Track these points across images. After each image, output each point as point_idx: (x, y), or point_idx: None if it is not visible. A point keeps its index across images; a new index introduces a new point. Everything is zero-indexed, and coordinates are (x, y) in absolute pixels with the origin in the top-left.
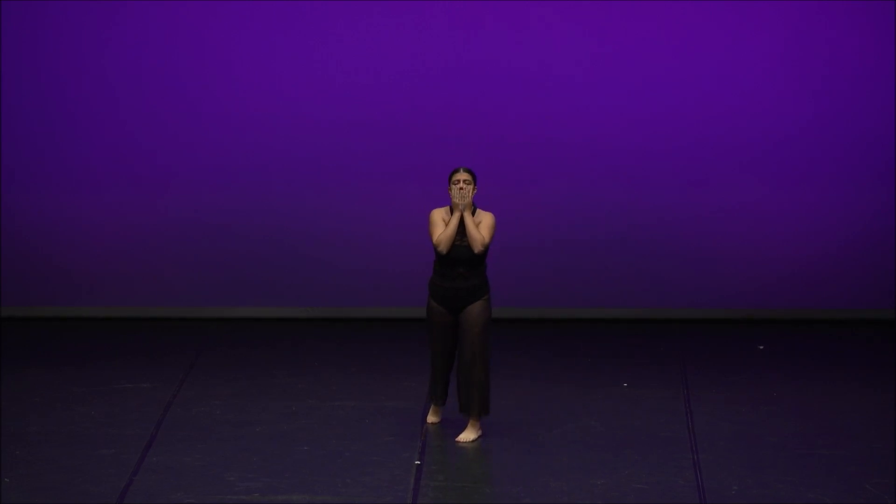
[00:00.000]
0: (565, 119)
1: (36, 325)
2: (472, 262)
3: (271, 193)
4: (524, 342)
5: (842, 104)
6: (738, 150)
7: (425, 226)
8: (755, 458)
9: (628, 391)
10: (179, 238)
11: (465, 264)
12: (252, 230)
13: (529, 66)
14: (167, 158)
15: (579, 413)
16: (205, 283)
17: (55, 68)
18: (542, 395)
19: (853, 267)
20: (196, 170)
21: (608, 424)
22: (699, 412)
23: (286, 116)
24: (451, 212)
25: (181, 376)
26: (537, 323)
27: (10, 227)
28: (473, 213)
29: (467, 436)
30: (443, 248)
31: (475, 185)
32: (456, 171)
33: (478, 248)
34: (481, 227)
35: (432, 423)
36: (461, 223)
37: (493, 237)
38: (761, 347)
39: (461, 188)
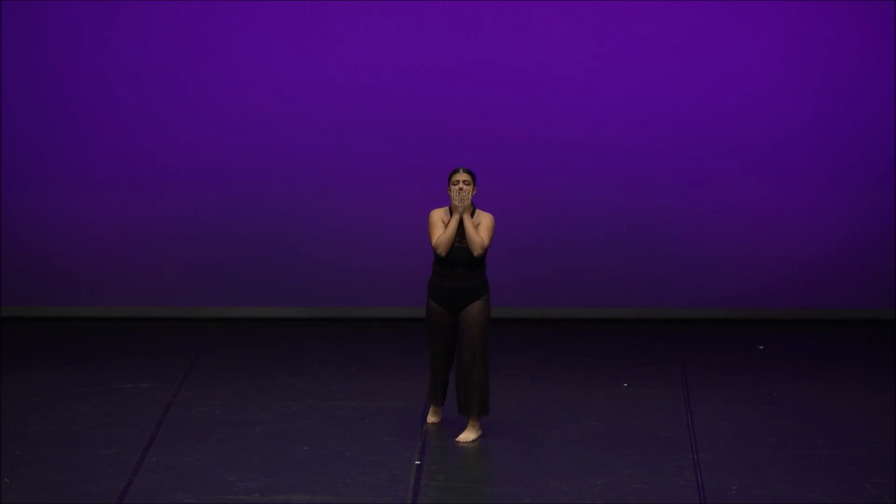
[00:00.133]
0: (565, 119)
1: (36, 325)
2: (472, 262)
3: (271, 193)
4: (524, 342)
5: (842, 104)
6: (738, 150)
7: (425, 226)
8: (755, 458)
9: (628, 391)
10: (179, 238)
11: (464, 265)
12: (252, 230)
13: (529, 66)
14: (167, 158)
15: (579, 413)
16: (205, 283)
17: (55, 68)
18: (542, 395)
19: (853, 267)
20: (196, 170)
21: (608, 424)
22: (699, 412)
23: (286, 116)
24: (451, 212)
25: (181, 376)
26: (537, 323)
27: (10, 227)
28: (473, 214)
29: (467, 436)
30: (441, 250)
31: (474, 185)
32: (455, 171)
33: (477, 251)
34: (480, 228)
35: (432, 423)
36: (460, 225)
37: (492, 238)
38: (761, 347)
39: (460, 189)
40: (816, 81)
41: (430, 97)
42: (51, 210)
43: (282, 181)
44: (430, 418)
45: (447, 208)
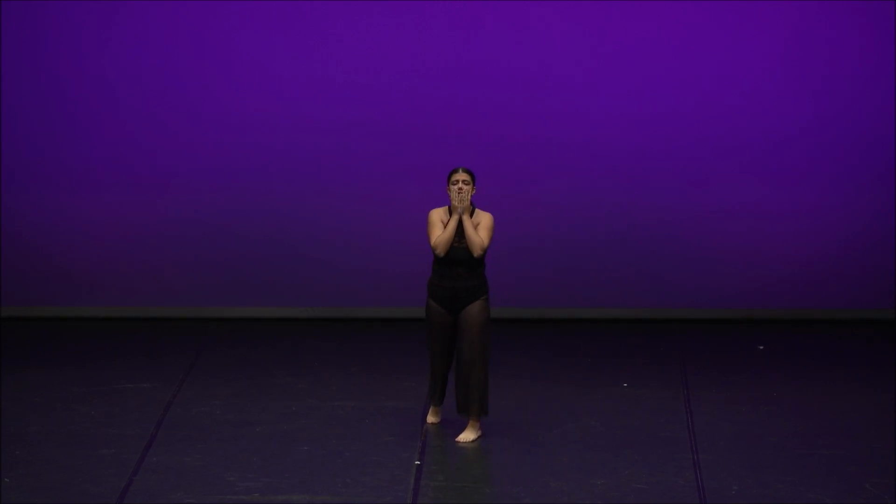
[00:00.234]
0: (565, 119)
1: (36, 325)
2: (471, 262)
3: (271, 193)
4: (524, 342)
5: (842, 104)
6: (738, 150)
7: (425, 226)
8: (755, 458)
9: (628, 391)
10: (179, 238)
11: (463, 265)
12: (252, 230)
13: (529, 66)
14: (167, 158)
15: (579, 413)
16: (205, 283)
17: (55, 68)
18: (542, 395)
19: (853, 267)
20: (196, 170)
21: (608, 424)
22: (699, 412)
23: (286, 116)
24: (450, 212)
25: (181, 376)
26: (537, 323)
27: (10, 227)
28: (472, 213)
29: (467, 436)
30: (440, 251)
31: (474, 185)
32: (455, 171)
33: (477, 252)
34: (480, 228)
35: (432, 424)
36: (460, 225)
37: (492, 238)
38: (761, 347)
39: (460, 189)
40: (816, 81)
41: (430, 97)
42: (51, 210)
43: (282, 181)
44: (430, 418)
45: (447, 208)
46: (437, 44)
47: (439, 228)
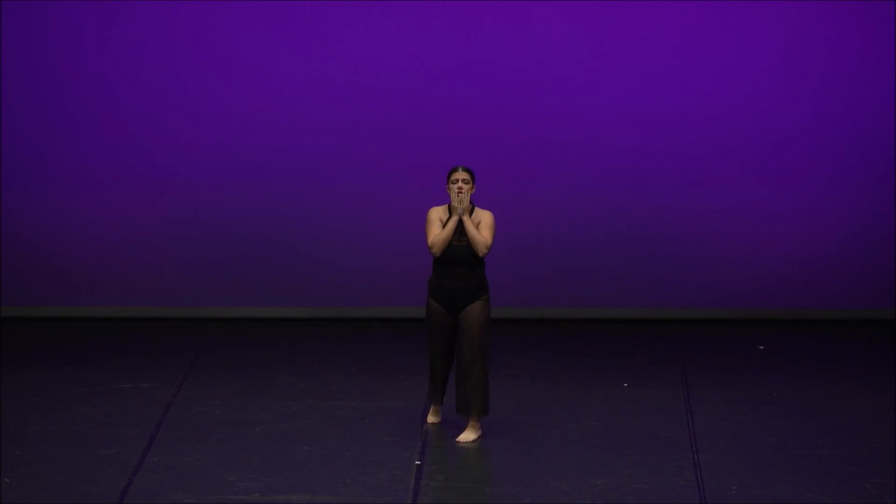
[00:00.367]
0: (565, 119)
1: (36, 325)
2: (471, 261)
3: (271, 193)
4: (524, 342)
5: (842, 104)
6: (738, 150)
7: (425, 226)
8: (755, 458)
9: (628, 391)
10: (179, 238)
11: (463, 264)
12: (252, 230)
13: (529, 66)
14: (167, 158)
15: (579, 413)
16: (205, 283)
17: (55, 68)
18: (542, 395)
19: (853, 267)
20: (196, 170)
21: (608, 424)
22: (699, 412)
23: (286, 116)
24: (450, 211)
25: (181, 376)
26: (537, 323)
27: (10, 227)
28: (472, 212)
29: (467, 436)
30: (436, 250)
31: (473, 184)
32: (454, 170)
33: (482, 251)
34: (482, 227)
35: (432, 424)
36: (459, 223)
37: (494, 236)
38: (761, 347)
39: (459, 189)
40: (816, 81)
41: (430, 97)
42: (51, 210)
43: (282, 181)
44: (430, 418)
45: (446, 207)
46: (437, 44)
47: (437, 227)
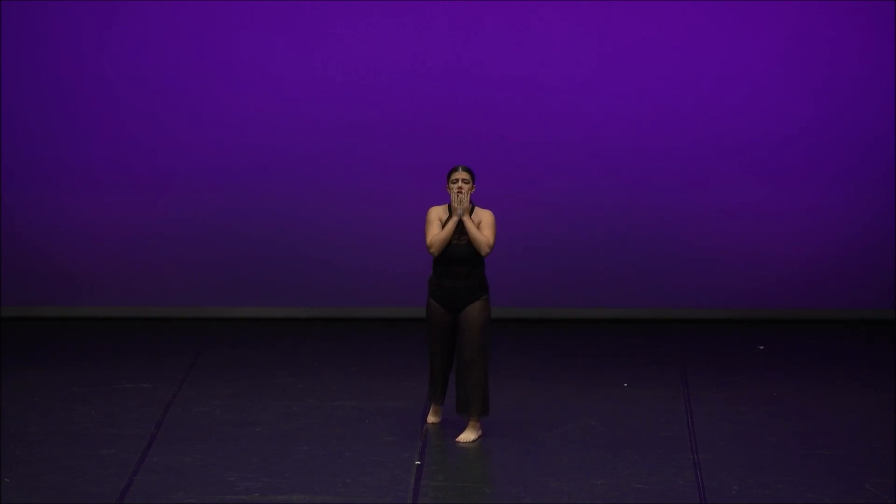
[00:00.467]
0: (565, 119)
1: (36, 325)
2: (472, 261)
3: (271, 193)
4: (524, 342)
5: (842, 104)
6: (738, 150)
7: (424, 225)
8: (755, 458)
9: (628, 391)
10: (179, 238)
11: (464, 264)
12: (252, 230)
13: (529, 66)
14: (167, 158)
15: (579, 413)
16: (205, 283)
17: (55, 68)
18: (542, 395)
19: (853, 267)
20: (196, 170)
21: (608, 424)
22: (699, 412)
23: (286, 116)
24: (450, 211)
25: (181, 376)
26: (537, 323)
27: (10, 227)
28: (472, 212)
29: (467, 436)
30: (434, 250)
31: (473, 183)
32: (454, 169)
33: (485, 251)
34: (482, 227)
35: (432, 423)
36: (459, 222)
37: (496, 235)
38: (761, 347)
39: (459, 189)
40: (816, 81)
41: (430, 97)
42: (51, 210)
43: (282, 181)
44: (431, 418)
45: (447, 206)
46: (437, 44)
47: (436, 227)
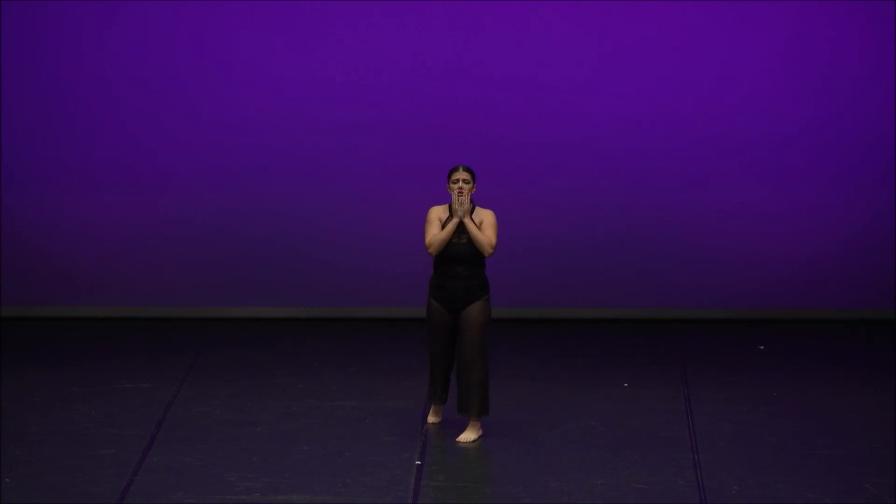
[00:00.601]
0: (565, 119)
1: (36, 325)
2: (472, 261)
3: (271, 193)
4: (524, 342)
5: (842, 104)
6: (738, 150)
7: (424, 225)
8: (755, 458)
9: (628, 391)
10: (179, 238)
11: (464, 263)
12: (252, 230)
13: (529, 66)
14: (167, 158)
15: (579, 413)
16: (205, 283)
17: (55, 68)
18: (542, 395)
19: (853, 267)
20: (196, 170)
21: (608, 424)
22: (699, 412)
23: (286, 116)
24: (450, 210)
25: (181, 376)
26: (537, 323)
27: (10, 227)
28: (472, 212)
29: (467, 436)
30: (433, 250)
31: (474, 183)
32: (455, 169)
33: (487, 251)
34: (484, 227)
35: (432, 424)
36: (460, 224)
37: (498, 235)
38: (761, 347)
39: (460, 189)
40: (816, 81)
41: (430, 97)
42: (51, 210)
43: (282, 181)
44: (431, 418)
45: (447, 206)
46: (437, 44)
47: (436, 227)
